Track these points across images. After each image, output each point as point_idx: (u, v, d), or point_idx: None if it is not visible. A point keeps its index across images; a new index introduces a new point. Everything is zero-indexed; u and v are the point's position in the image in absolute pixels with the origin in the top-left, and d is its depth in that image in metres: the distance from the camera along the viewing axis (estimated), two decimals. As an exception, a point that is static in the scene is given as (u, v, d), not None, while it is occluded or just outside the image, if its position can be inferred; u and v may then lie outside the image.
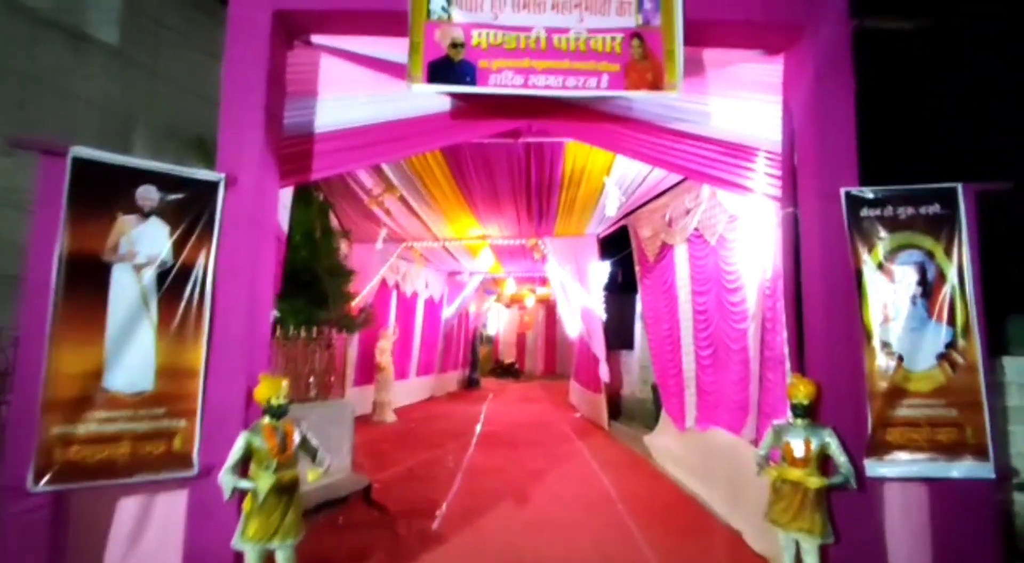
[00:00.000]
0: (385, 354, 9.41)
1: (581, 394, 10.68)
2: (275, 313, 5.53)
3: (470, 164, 5.96)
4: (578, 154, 5.47)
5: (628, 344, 9.10)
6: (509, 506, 4.69)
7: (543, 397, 13.95)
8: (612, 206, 5.72)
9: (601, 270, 8.74)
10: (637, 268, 7.44)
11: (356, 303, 8.71)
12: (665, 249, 6.54)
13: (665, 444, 6.44)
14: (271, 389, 2.66)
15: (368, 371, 9.53)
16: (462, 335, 16.02)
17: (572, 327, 12.21)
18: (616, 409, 9.04)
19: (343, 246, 7.61)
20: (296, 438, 2.74)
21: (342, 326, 6.54)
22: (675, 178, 5.98)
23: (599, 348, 8.57)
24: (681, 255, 6.16)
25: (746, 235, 4.82)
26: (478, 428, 8.83)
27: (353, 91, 3.28)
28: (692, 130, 3.39)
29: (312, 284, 6.09)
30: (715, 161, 3.42)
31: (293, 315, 5.66)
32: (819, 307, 3.10)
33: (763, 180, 3.42)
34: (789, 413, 3.06)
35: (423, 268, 12.05)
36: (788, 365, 3.38)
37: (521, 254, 10.19)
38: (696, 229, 5.70)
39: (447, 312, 13.47)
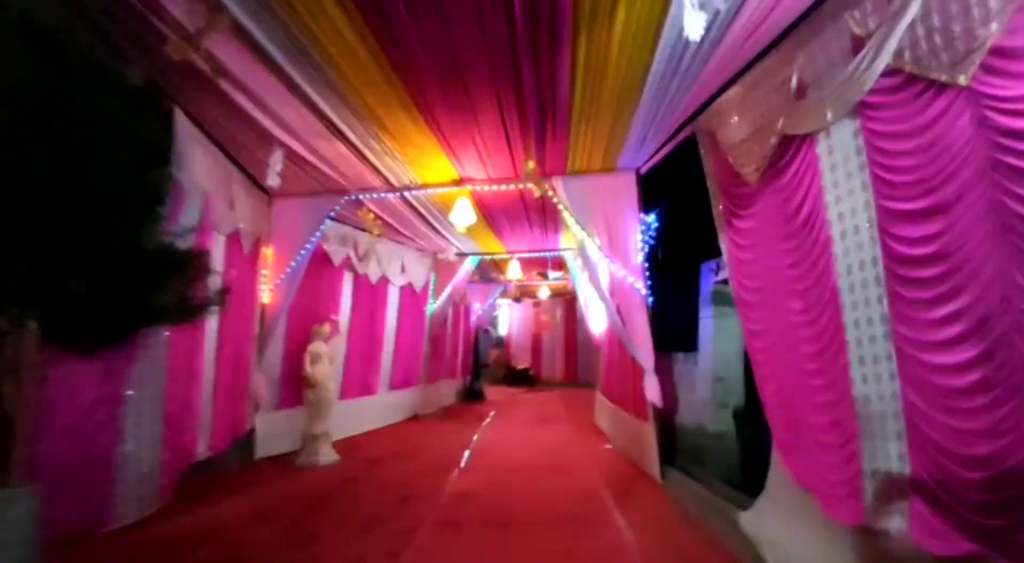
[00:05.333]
0: (321, 362, 6.29)
1: (614, 417, 7.38)
2: None
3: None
4: None
5: (687, 345, 5.79)
6: None
7: (561, 415, 10.68)
8: (695, 22, 2.47)
9: (643, 229, 5.48)
10: (718, 208, 4.15)
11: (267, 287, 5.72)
12: (787, 152, 3.26)
13: (802, 548, 3.12)
14: None
15: (298, 387, 6.42)
16: (459, 336, 12.87)
17: (597, 321, 8.95)
18: (669, 445, 5.71)
19: (198, 179, 4.51)
20: None
21: (147, 316, 3.47)
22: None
23: (644, 351, 5.30)
24: (837, 150, 2.87)
25: None
26: (455, 474, 5.64)
27: None
28: None
29: (76, 232, 3.05)
30: None
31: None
32: None
33: None
34: None
35: (397, 246, 8.94)
36: None
37: (519, 208, 6.94)
38: (894, 69, 2.43)
39: (434, 306, 10.34)
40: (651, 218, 5.36)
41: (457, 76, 3.95)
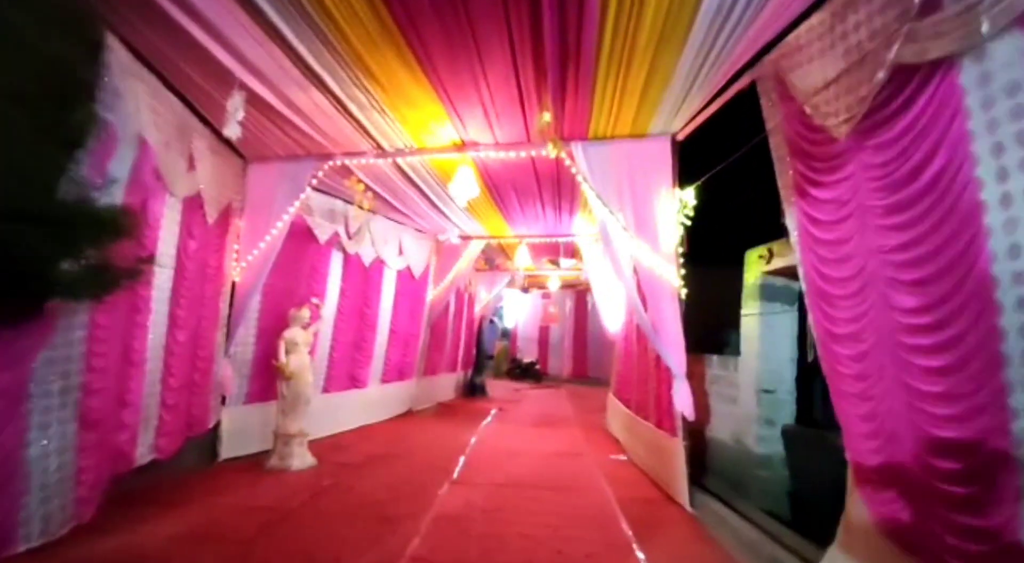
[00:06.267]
0: (297, 351, 5.49)
1: (630, 425, 6.54)
2: None
3: None
4: None
5: (726, 346, 4.94)
6: None
7: (569, 416, 9.87)
8: None
9: (677, 208, 4.59)
10: (787, 175, 3.24)
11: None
12: (901, 91, 2.36)
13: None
14: None
15: (273, 379, 5.62)
16: (461, 326, 12.07)
17: (613, 316, 8.09)
18: (697, 463, 4.85)
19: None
20: None
21: (44, 287, 2.69)
22: None
23: (674, 352, 4.44)
24: (997, 77, 1.98)
25: None
26: (445, 489, 4.84)
27: None
28: None
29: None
30: None
31: None
32: None
33: None
34: None
35: (395, 226, 8.11)
36: None
37: (530, 183, 6.05)
38: None
39: (435, 293, 9.54)
40: (688, 195, 4.47)
41: (460, 5, 3.09)
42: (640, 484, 5.21)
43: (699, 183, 4.49)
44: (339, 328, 7.06)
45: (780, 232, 4.09)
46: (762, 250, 4.14)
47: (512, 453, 6.43)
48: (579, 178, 4.80)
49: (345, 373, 7.30)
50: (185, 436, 4.65)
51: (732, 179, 4.55)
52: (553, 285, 13.03)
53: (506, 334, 18.40)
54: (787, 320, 4.23)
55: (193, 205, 4.57)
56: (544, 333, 17.65)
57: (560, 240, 8.86)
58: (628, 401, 7.02)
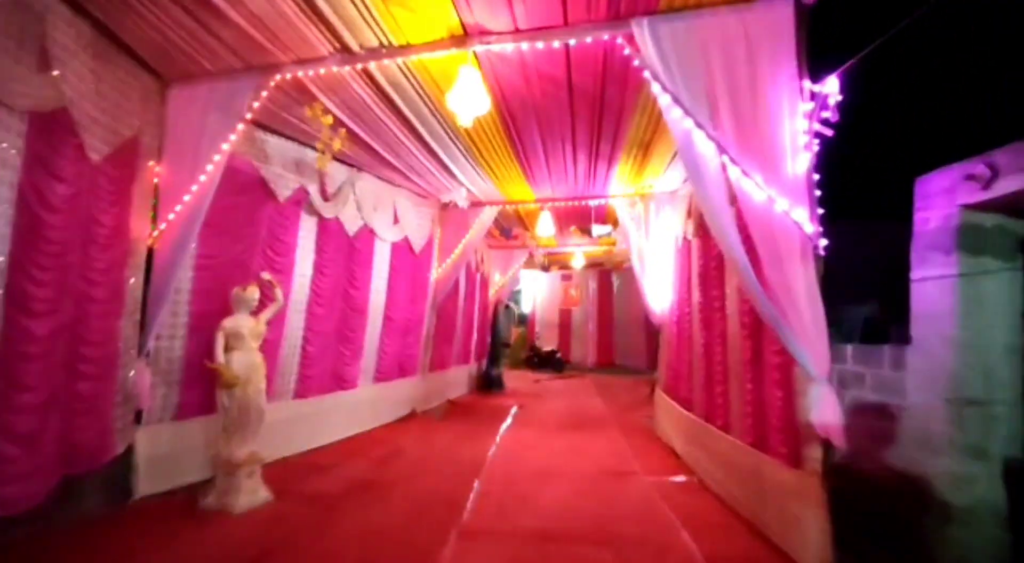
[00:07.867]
0: (244, 346, 3.94)
1: (700, 437, 4.85)
2: None
3: None
4: None
5: (879, 330, 3.27)
6: None
7: (603, 413, 8.29)
8: None
9: (808, 110, 2.88)
10: None
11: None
12: None
13: None
14: None
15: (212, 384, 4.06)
16: (474, 310, 10.49)
17: (659, 295, 6.45)
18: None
19: None
20: None
21: None
22: None
23: (810, 340, 2.76)
24: None
25: None
26: (451, 543, 3.27)
27: None
28: None
29: None
30: None
31: None
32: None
33: None
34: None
35: (387, 187, 6.52)
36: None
37: (562, 109, 4.29)
38: None
39: (440, 271, 7.95)
40: (830, 86, 2.76)
41: None
42: (732, 531, 3.58)
43: (844, 69, 2.77)
44: (315, 314, 5.49)
45: (990, 139, 2.41)
46: (969, 169, 2.47)
47: (542, 474, 4.85)
48: (646, 74, 3.11)
49: (326, 371, 5.75)
50: (60, 475, 3.13)
51: (891, 64, 2.84)
52: (577, 263, 11.36)
53: (523, 320, 16.83)
54: (1003, 285, 2.56)
55: (55, 128, 2.98)
56: (565, 318, 16.04)
57: (592, 202, 7.18)
58: (687, 402, 5.41)
